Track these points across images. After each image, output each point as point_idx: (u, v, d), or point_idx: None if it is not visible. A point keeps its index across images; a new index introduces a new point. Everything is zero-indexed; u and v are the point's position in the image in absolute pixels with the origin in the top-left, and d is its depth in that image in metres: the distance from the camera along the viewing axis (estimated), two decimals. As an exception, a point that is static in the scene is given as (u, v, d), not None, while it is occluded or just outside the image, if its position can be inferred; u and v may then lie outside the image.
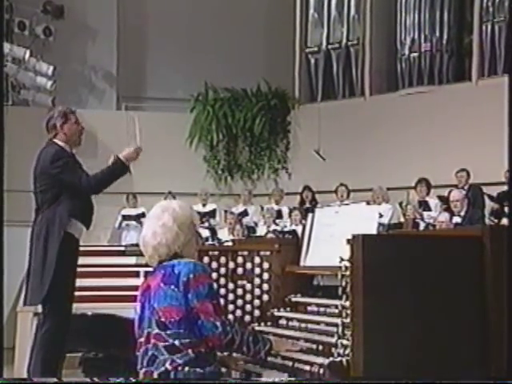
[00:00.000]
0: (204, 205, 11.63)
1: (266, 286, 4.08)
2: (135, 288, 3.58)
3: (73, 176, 4.98)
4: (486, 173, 9.74)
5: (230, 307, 4.09)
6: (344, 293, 3.04)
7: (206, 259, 4.12)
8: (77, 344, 5.66)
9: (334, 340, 3.17)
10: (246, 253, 4.16)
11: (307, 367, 3.28)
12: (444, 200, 9.74)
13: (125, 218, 11.61)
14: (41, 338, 4.90)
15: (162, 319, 3.22)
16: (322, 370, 3.16)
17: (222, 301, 3.94)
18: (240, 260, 4.14)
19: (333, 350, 3.21)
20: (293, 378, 3.30)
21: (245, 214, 11.58)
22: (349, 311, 3.00)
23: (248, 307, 4.09)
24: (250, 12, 13.28)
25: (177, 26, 13.20)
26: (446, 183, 10.22)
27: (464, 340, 3.07)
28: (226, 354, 3.52)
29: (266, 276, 4.09)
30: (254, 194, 12.26)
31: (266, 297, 4.07)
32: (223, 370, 3.50)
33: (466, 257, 3.11)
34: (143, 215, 10.75)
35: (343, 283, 3.05)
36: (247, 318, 4.06)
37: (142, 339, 3.31)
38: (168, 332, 3.21)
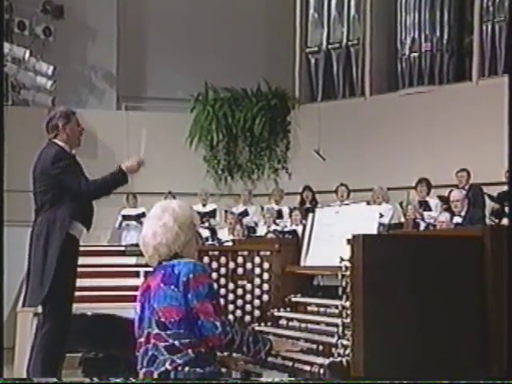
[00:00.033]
0: (204, 205, 11.63)
1: (266, 286, 4.08)
2: (135, 288, 3.57)
3: (73, 179, 4.97)
4: (487, 173, 9.74)
5: (230, 307, 4.09)
6: (344, 293, 3.04)
7: (206, 259, 4.12)
8: (77, 344, 5.65)
9: (334, 340, 3.17)
10: (246, 253, 4.16)
11: (307, 367, 3.28)
12: (444, 200, 9.73)
13: (125, 218, 11.61)
14: (41, 339, 4.90)
15: (162, 319, 3.21)
16: (322, 371, 3.16)
17: (222, 301, 3.94)
18: (240, 260, 4.14)
19: (333, 350, 3.21)
20: (293, 378, 3.30)
21: (245, 213, 11.58)
22: (349, 311, 3.00)
23: (248, 307, 4.09)
24: (250, 12, 13.28)
25: (177, 26, 13.20)
26: (446, 183, 10.21)
27: (464, 340, 3.06)
28: (226, 354, 3.51)
29: (266, 276, 4.09)
30: (254, 194, 12.25)
31: (266, 297, 4.07)
32: (223, 370, 3.50)
33: (466, 257, 3.11)
34: (143, 215, 10.75)
35: (343, 283, 3.04)
36: (247, 318, 4.06)
37: (142, 339, 3.30)
38: (168, 332, 3.20)
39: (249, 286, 4.10)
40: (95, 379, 4.96)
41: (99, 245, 9.91)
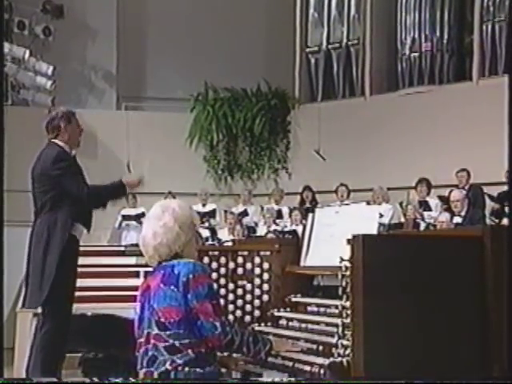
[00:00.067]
0: (204, 205, 11.63)
1: (266, 286, 4.08)
2: (135, 288, 3.57)
3: (72, 182, 4.97)
4: (487, 173, 9.73)
5: (230, 307, 4.08)
6: (344, 293, 3.04)
7: (206, 259, 4.11)
8: (77, 344, 5.66)
9: (334, 340, 3.17)
10: (246, 253, 4.16)
11: (307, 367, 3.28)
12: (444, 200, 9.72)
13: (125, 218, 11.60)
14: (41, 339, 4.90)
15: (162, 320, 3.21)
16: (322, 371, 3.15)
17: (221, 301, 3.93)
18: (240, 260, 4.14)
19: (333, 350, 3.20)
20: (293, 379, 3.30)
21: (245, 213, 11.58)
22: (349, 311, 2.99)
23: (248, 307, 4.09)
24: (250, 12, 13.28)
25: (177, 26, 13.19)
26: (446, 183, 10.21)
27: (464, 340, 3.06)
28: (225, 354, 3.51)
29: (266, 276, 4.09)
30: (253, 194, 12.25)
31: (266, 297, 4.07)
32: (223, 370, 3.49)
33: (466, 257, 3.10)
34: (143, 215, 10.74)
35: (343, 283, 3.04)
36: (247, 318, 4.06)
37: (142, 339, 3.30)
38: (168, 332, 3.20)
39: (249, 286, 4.10)
40: (95, 379, 4.97)
41: (99, 245, 9.90)
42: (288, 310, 4.01)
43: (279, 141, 12.86)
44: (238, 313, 4.07)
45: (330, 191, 11.15)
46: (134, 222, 11.44)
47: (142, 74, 13.52)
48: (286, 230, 10.56)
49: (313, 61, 12.85)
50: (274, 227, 10.75)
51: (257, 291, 4.08)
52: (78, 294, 5.04)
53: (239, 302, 4.09)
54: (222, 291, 4.10)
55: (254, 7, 13.32)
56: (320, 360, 3.23)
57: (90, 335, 5.98)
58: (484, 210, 9.63)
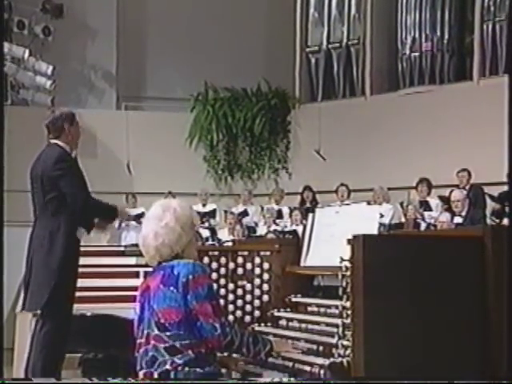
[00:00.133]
0: (204, 205, 11.62)
1: (266, 287, 4.08)
2: (135, 288, 3.56)
3: (71, 184, 4.95)
4: (487, 173, 9.72)
5: (230, 308, 4.08)
6: (344, 293, 3.03)
7: (206, 259, 4.11)
8: (76, 345, 5.65)
9: (334, 341, 3.16)
10: (246, 253, 4.15)
11: (308, 368, 3.27)
12: (445, 200, 9.71)
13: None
14: (41, 340, 4.89)
15: (162, 321, 3.20)
16: (322, 371, 3.15)
17: (221, 301, 3.93)
18: (240, 260, 4.14)
19: (333, 350, 3.20)
20: (293, 379, 3.29)
21: (245, 214, 11.57)
22: (349, 312, 2.99)
23: (248, 308, 4.08)
24: (250, 12, 13.27)
25: (177, 26, 13.19)
26: (447, 183, 10.20)
27: (464, 340, 3.06)
28: (225, 354, 3.50)
29: (266, 276, 4.08)
30: (254, 194, 12.24)
31: (266, 297, 4.06)
32: (223, 370, 3.49)
33: (466, 257, 3.10)
34: (143, 215, 10.72)
35: (344, 283, 3.03)
36: (247, 318, 4.06)
37: (142, 340, 3.29)
38: (168, 333, 3.19)
39: (249, 287, 4.10)
40: (95, 379, 4.96)
41: (99, 245, 9.89)
42: (288, 310, 4.01)
43: (279, 141, 12.85)
44: (238, 313, 4.07)
45: (330, 191, 11.14)
46: (133, 222, 11.42)
47: (141, 74, 13.52)
48: (286, 230, 10.55)
49: (313, 60, 12.84)
50: (274, 227, 10.74)
51: (257, 291, 4.08)
52: (77, 294, 5.04)
53: (239, 303, 4.08)
54: (222, 291, 4.09)
55: (254, 7, 13.31)
56: (320, 360, 3.22)
57: (90, 335, 5.97)
58: (485, 210, 9.62)
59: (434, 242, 3.20)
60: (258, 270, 4.10)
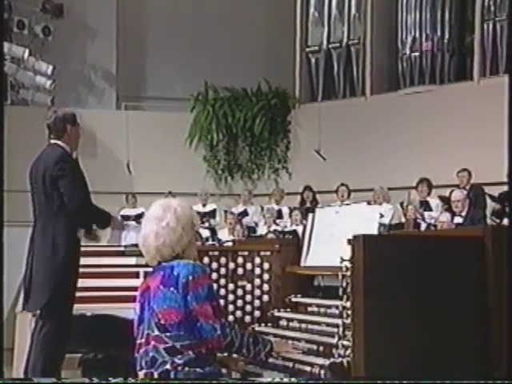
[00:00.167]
0: (204, 205, 11.61)
1: (266, 287, 4.07)
2: (135, 288, 3.56)
3: (71, 185, 4.94)
4: (488, 173, 9.71)
5: (230, 308, 4.08)
6: (345, 293, 3.03)
7: (206, 259, 4.11)
8: (76, 345, 5.65)
9: (334, 341, 3.16)
10: (246, 253, 4.15)
11: (308, 368, 3.27)
12: (445, 200, 9.71)
13: (124, 218, 11.56)
14: (41, 340, 4.89)
15: (162, 321, 3.19)
16: (322, 371, 3.15)
17: (222, 301, 3.93)
18: (240, 260, 4.13)
19: (333, 350, 3.20)
20: (293, 379, 3.29)
21: (245, 214, 11.56)
22: (349, 312, 2.99)
23: (248, 308, 4.08)
24: (249, 12, 13.27)
25: (177, 25, 13.18)
26: (447, 183, 10.19)
27: (464, 340, 3.06)
28: (225, 354, 3.50)
29: (266, 276, 4.08)
30: (254, 194, 12.24)
31: (266, 297, 4.06)
32: (223, 370, 3.48)
33: (467, 257, 3.09)
34: (143, 215, 10.71)
35: (344, 284, 3.03)
36: (247, 318, 4.05)
37: (142, 340, 3.29)
38: (168, 334, 3.19)
39: (249, 287, 4.09)
40: (95, 379, 4.95)
41: (99, 245, 9.88)
42: (288, 310, 4.00)
43: (279, 141, 12.84)
44: (238, 313, 4.07)
45: (330, 191, 11.14)
46: (133, 223, 11.42)
47: (141, 74, 13.51)
48: (286, 230, 10.54)
49: (313, 60, 12.83)
50: (274, 227, 10.74)
51: (257, 291, 4.07)
52: (77, 294, 5.04)
53: (239, 303, 4.08)
54: (222, 292, 4.09)
55: (254, 7, 13.31)
56: (320, 360, 3.22)
57: (90, 335, 5.97)
58: (485, 210, 9.61)
59: (435, 242, 3.20)
60: (258, 270, 4.09)
